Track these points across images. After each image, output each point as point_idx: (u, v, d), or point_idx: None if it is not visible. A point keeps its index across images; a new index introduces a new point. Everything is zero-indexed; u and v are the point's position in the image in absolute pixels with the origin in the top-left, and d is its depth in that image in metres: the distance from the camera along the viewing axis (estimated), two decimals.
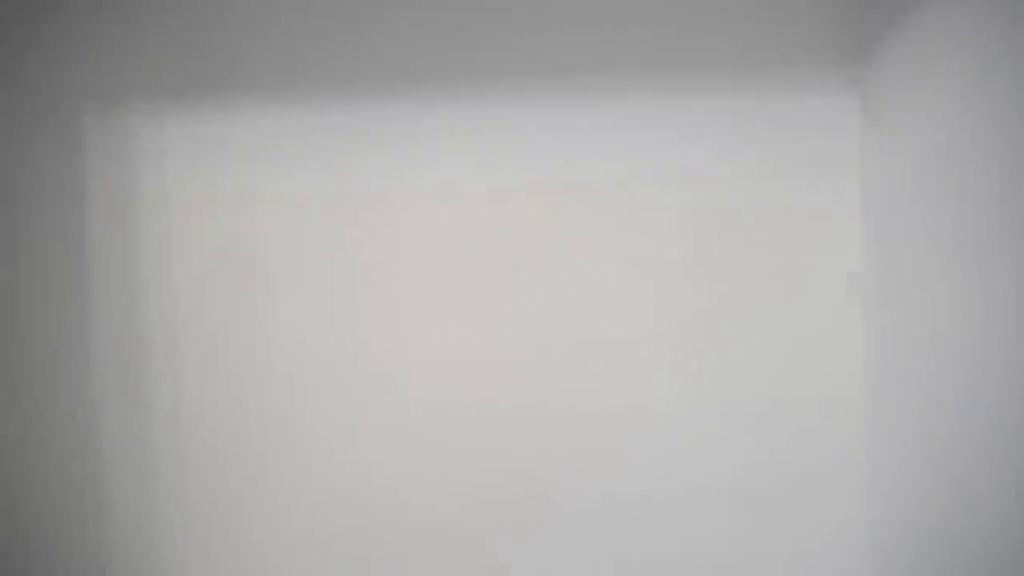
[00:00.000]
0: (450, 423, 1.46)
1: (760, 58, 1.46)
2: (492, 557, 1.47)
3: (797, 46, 1.46)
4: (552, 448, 1.47)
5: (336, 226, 1.47)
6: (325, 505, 1.48)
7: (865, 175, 1.47)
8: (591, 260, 1.47)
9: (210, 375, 1.48)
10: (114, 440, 1.47)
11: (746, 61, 1.45)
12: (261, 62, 1.46)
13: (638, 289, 1.47)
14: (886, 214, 1.44)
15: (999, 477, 1.17)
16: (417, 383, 1.46)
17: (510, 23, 1.45)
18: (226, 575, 1.49)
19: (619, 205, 1.46)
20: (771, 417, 1.47)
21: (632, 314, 1.47)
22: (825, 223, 1.47)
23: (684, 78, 1.46)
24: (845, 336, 1.47)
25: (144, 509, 1.48)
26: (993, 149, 1.17)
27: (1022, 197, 1.13)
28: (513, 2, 1.44)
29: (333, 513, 1.48)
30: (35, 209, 1.46)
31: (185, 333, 1.47)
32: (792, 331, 1.47)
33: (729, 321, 1.47)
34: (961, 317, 1.25)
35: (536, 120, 1.45)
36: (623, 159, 1.46)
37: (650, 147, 1.46)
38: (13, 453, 1.47)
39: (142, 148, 1.47)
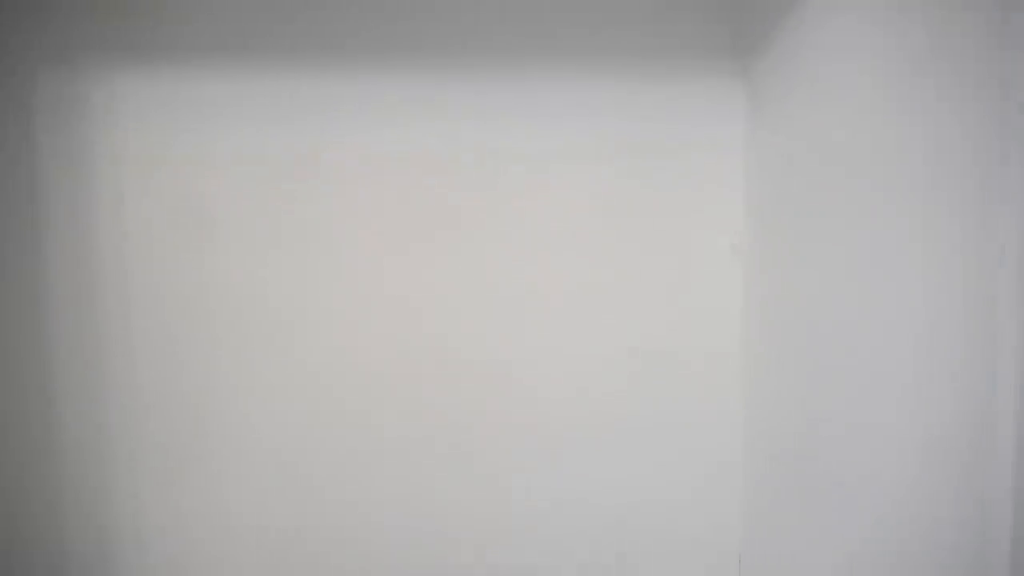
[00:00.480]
0: (385, 366, 1.59)
1: (658, 48, 1.61)
2: (426, 477, 1.63)
3: (691, 39, 1.62)
4: (478, 387, 1.62)
5: (281, 186, 1.54)
6: (272, 451, 1.58)
7: (748, 155, 1.65)
8: (510, 222, 1.61)
9: (160, 328, 1.53)
10: (67, 392, 1.52)
11: (646, 51, 1.61)
12: (213, 24, 1.50)
13: (551, 249, 1.62)
14: (765, 189, 1.61)
15: (855, 417, 1.39)
16: (354, 331, 1.58)
17: (443, 3, 1.56)
18: (177, 523, 1.56)
19: (534, 174, 1.60)
20: (663, 361, 1.67)
21: (546, 271, 1.63)
22: (712, 196, 1.66)
23: (594, 64, 1.60)
24: (727, 295, 1.69)
25: (95, 456, 1.53)
26: (861, 131, 1.34)
27: (884, 175, 1.33)
28: None
29: (281, 461, 1.58)
30: None
31: (136, 287, 1.52)
32: (682, 290, 1.67)
33: (629, 280, 1.65)
34: (827, 280, 1.44)
35: (463, 93, 1.57)
36: (540, 133, 1.59)
37: (564, 123, 1.60)
38: None
39: (93, 106, 1.48)
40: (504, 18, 1.58)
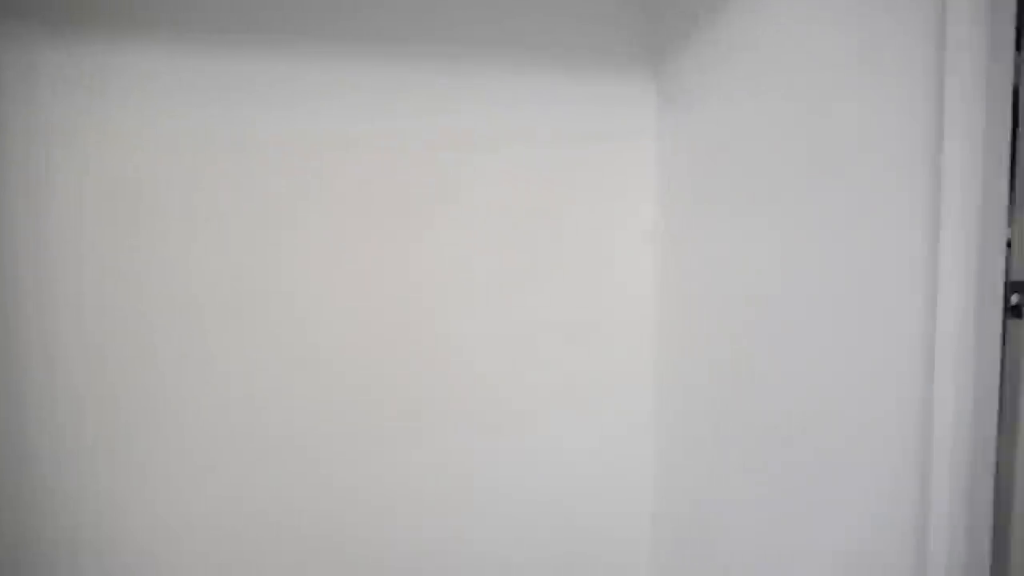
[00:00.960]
0: (333, 349, 1.63)
1: (581, 47, 1.71)
2: (385, 442, 1.68)
3: (610, 40, 1.73)
4: (422, 364, 1.68)
5: (221, 169, 1.54)
6: (222, 434, 1.59)
7: (659, 145, 1.77)
8: (450, 203, 1.67)
9: (92, 311, 1.50)
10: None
11: (570, 49, 1.70)
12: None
13: (484, 230, 1.70)
14: (674, 176, 1.74)
15: (752, 366, 1.50)
16: (298, 315, 1.61)
17: None
18: (123, 507, 1.55)
19: (475, 159, 1.68)
20: (586, 335, 1.78)
21: (480, 252, 1.70)
22: (628, 182, 1.77)
23: (528, 60, 1.69)
24: (640, 272, 1.79)
25: (28, 440, 1.50)
26: (759, 125, 1.51)
27: (777, 162, 1.47)
28: None
29: (231, 444, 1.60)
30: None
31: (65, 271, 1.48)
32: (601, 268, 1.77)
33: (554, 259, 1.74)
34: (728, 258, 1.58)
35: (408, 81, 1.63)
36: (482, 122, 1.67)
37: (497, 112, 1.68)
38: None
39: (14, 78, 1.42)
40: (457, 15, 1.65)
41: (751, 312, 1.55)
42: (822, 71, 1.39)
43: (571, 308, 1.76)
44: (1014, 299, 1.32)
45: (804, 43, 1.42)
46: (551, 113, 1.71)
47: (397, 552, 1.69)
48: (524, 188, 1.72)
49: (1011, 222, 1.22)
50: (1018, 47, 1.19)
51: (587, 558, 1.80)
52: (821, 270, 1.40)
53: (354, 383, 1.65)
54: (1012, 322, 1.28)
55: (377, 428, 1.66)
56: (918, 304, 1.24)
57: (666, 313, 1.80)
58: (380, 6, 1.61)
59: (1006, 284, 1.33)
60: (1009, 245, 1.27)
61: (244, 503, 1.61)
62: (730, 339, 1.60)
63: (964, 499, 1.18)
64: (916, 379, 1.23)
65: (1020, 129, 1.21)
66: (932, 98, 1.22)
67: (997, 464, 1.19)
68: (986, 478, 1.19)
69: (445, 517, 1.71)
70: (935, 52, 1.21)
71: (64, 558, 1.51)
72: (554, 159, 1.72)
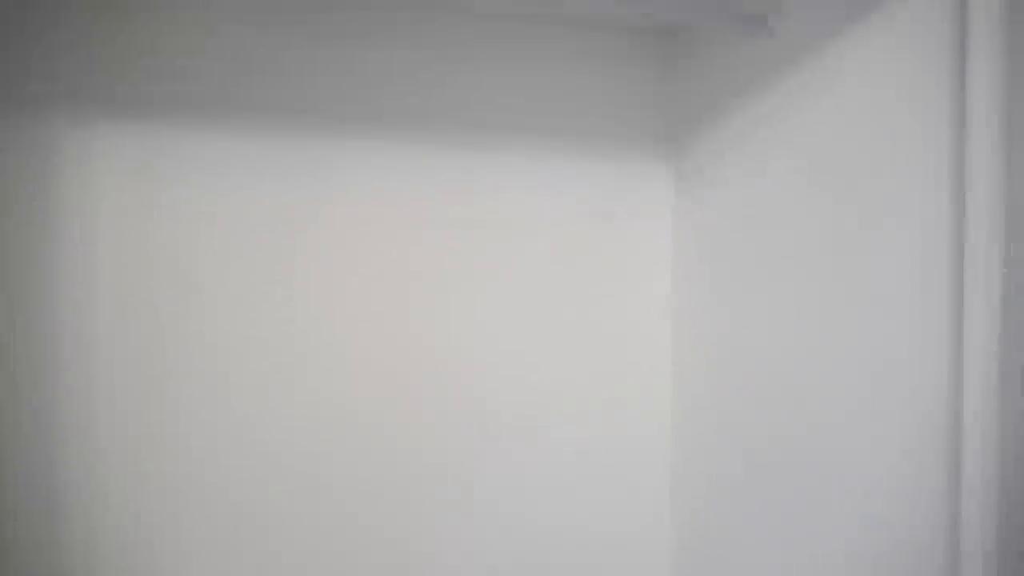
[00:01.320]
0: (365, 413, 1.66)
1: (605, 135, 1.81)
2: (411, 504, 1.70)
3: (631, 128, 1.84)
4: (447, 431, 1.71)
5: (257, 243, 1.59)
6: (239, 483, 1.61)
7: (675, 224, 1.86)
8: (480, 279, 1.73)
9: (136, 375, 1.54)
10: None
11: (590, 132, 1.80)
12: (204, 80, 1.56)
13: (514, 302, 1.76)
14: (691, 253, 1.82)
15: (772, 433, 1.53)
16: (333, 379, 1.64)
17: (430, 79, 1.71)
18: (144, 549, 1.56)
19: (501, 237, 1.74)
20: (607, 398, 1.83)
21: (503, 327, 1.75)
22: (646, 258, 1.85)
23: (555, 146, 1.77)
24: (658, 342, 1.85)
25: (57, 489, 1.51)
26: (773, 205, 1.59)
27: (793, 241, 1.53)
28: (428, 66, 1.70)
29: (247, 496, 1.61)
30: None
31: (112, 332, 1.52)
32: (621, 338, 1.83)
33: (579, 330, 1.79)
34: (739, 331, 1.67)
35: (437, 161, 1.70)
36: (507, 202, 1.74)
37: (527, 194, 1.76)
38: None
39: (67, 156, 1.50)
40: (482, 100, 1.73)
41: (768, 389, 1.60)
42: (837, 153, 1.45)
43: (590, 383, 1.80)
44: None
45: (819, 126, 1.48)
46: (572, 193, 1.79)
47: None
48: (546, 264, 1.77)
49: None
50: None
51: None
52: (839, 348, 1.44)
53: (384, 447, 1.68)
54: None
55: (402, 490, 1.69)
56: (942, 383, 1.27)
57: (682, 388, 1.84)
58: (415, 93, 1.69)
59: None
60: None
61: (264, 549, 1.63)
62: (746, 425, 1.65)
63: None
64: (939, 462, 1.26)
65: None
66: (953, 177, 1.27)
67: None
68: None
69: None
70: (953, 130, 1.26)
71: None
72: (574, 238, 1.79)
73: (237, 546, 1.60)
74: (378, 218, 1.67)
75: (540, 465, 1.76)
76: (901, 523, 1.33)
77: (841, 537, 1.42)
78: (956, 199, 1.26)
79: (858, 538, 1.40)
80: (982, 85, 1.23)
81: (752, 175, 1.64)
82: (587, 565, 1.80)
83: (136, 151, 1.53)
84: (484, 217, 1.73)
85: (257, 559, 1.61)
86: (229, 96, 1.58)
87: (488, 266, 1.74)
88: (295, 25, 1.61)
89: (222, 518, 1.59)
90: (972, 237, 1.23)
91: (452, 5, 1.65)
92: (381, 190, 1.67)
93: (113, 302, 1.53)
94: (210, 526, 1.59)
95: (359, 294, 1.66)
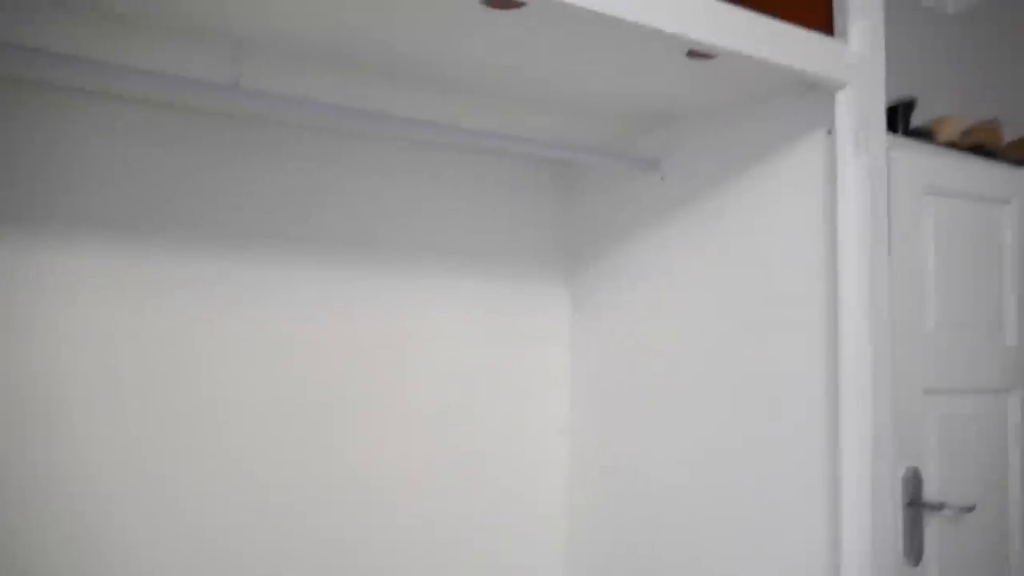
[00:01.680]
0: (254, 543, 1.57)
1: (505, 257, 1.85)
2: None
3: (531, 251, 1.89)
4: (348, 543, 1.65)
5: (138, 364, 1.48)
6: None
7: (572, 346, 1.90)
8: (374, 401, 1.69)
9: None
10: None
11: (495, 258, 1.84)
12: (73, 192, 1.45)
13: (411, 425, 1.72)
14: (585, 374, 1.86)
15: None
16: (209, 514, 1.53)
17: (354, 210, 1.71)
18: None
19: (395, 358, 1.72)
20: (495, 517, 1.81)
21: (405, 445, 1.71)
22: (545, 378, 1.88)
23: (456, 267, 1.79)
24: (555, 461, 1.88)
25: None
26: (660, 332, 1.61)
27: (676, 369, 1.57)
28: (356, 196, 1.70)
29: None
30: None
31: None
32: (518, 459, 1.84)
33: (475, 449, 1.79)
34: (634, 450, 1.71)
35: (330, 284, 1.67)
36: (406, 322, 1.73)
37: (427, 313, 1.75)
38: None
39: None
40: (380, 220, 1.73)
41: (662, 512, 1.61)
42: (727, 283, 1.50)
43: (487, 502, 1.79)
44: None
45: (709, 257, 1.55)
46: (471, 313, 1.80)
47: None
48: (450, 384, 1.77)
49: None
50: None
51: None
52: (730, 476, 1.46)
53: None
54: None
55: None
56: (821, 523, 1.29)
57: (578, 503, 1.85)
58: (313, 213, 1.66)
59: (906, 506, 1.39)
60: None
61: None
62: (640, 546, 1.65)
63: None
64: None
65: None
66: (827, 310, 1.32)
67: None
68: None
69: None
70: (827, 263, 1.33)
71: None
72: (472, 357, 1.80)
73: None
74: (268, 340, 1.61)
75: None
76: None
77: None
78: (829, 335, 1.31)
79: None
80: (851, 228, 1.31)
81: (644, 300, 1.70)
82: None
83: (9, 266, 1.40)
84: (380, 338, 1.71)
85: None
86: (114, 211, 1.48)
87: (383, 388, 1.70)
88: (189, 142, 1.55)
89: None
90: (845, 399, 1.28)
91: (355, 130, 1.68)
92: (272, 310, 1.61)
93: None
94: None
95: (249, 421, 1.58)
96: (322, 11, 1.16)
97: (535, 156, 1.84)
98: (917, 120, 1.85)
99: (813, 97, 1.38)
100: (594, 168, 1.82)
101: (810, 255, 1.38)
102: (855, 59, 1.34)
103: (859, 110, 1.34)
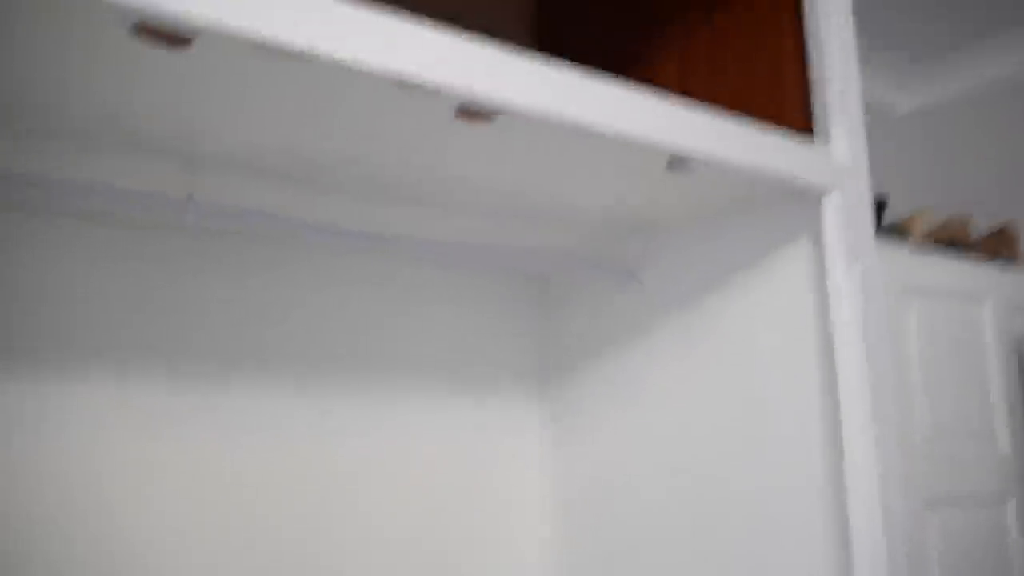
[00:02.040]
0: None
1: (479, 378, 1.74)
2: None
3: (504, 368, 1.77)
4: None
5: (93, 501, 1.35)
6: None
7: (544, 466, 1.79)
8: (344, 532, 1.55)
9: None
10: None
11: (468, 378, 1.72)
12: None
13: (372, 563, 1.57)
14: (563, 494, 1.74)
15: None
16: None
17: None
18: None
19: (357, 487, 1.57)
20: None
21: None
22: (517, 501, 1.74)
23: (425, 386, 1.67)
24: None
25: None
26: (644, 454, 1.52)
27: (666, 497, 1.47)
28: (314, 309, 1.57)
29: None
30: None
31: None
32: None
33: None
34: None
35: (290, 406, 1.54)
36: (369, 447, 1.59)
37: (398, 435, 1.62)
38: None
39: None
40: (343, 335, 1.61)
41: None
42: (713, 399, 1.42)
43: None
44: None
45: (692, 371, 1.47)
46: (439, 436, 1.66)
47: None
48: (418, 516, 1.62)
49: None
50: None
51: None
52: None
53: None
54: None
55: None
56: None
57: None
58: (268, 329, 1.55)
59: None
60: None
61: None
62: None
63: None
64: None
65: None
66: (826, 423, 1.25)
67: None
68: None
69: None
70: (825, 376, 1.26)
71: None
72: (445, 484, 1.66)
73: None
74: (224, 470, 1.48)
75: None
76: None
77: None
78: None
79: None
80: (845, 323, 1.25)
81: (625, 419, 1.60)
82: None
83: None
84: (340, 465, 1.57)
85: None
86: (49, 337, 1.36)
87: (358, 517, 1.56)
88: (145, 259, 1.43)
89: None
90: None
91: (320, 247, 1.58)
92: (227, 438, 1.48)
93: None
94: None
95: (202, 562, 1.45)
96: (288, 132, 1.08)
97: (507, 268, 1.76)
98: (885, 219, 1.84)
99: (798, 202, 1.33)
100: (572, 279, 1.75)
101: (802, 365, 1.32)
102: (840, 163, 1.31)
103: (847, 214, 1.30)
